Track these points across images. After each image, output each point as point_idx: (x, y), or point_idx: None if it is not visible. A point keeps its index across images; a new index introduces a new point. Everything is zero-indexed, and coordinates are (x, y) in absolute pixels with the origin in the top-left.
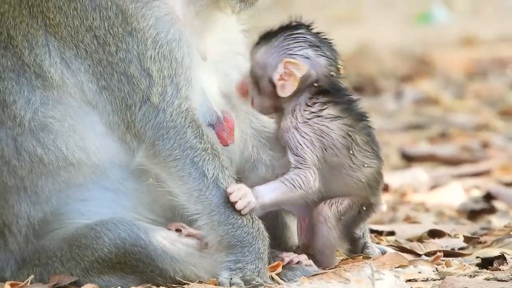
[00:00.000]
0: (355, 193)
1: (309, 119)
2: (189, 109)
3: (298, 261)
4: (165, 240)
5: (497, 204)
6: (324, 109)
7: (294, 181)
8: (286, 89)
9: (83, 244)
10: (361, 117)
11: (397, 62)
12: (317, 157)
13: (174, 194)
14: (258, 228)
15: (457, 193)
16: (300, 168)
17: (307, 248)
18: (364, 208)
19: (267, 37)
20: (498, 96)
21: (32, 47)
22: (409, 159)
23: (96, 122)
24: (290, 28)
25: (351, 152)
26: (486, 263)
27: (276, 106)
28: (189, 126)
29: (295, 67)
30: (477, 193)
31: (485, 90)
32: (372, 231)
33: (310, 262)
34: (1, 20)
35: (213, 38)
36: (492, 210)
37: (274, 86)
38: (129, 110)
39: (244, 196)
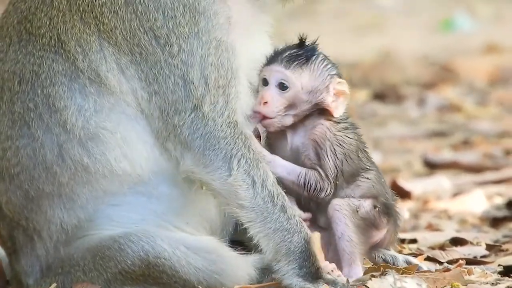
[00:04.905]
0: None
1: (334, 134)
2: (237, 121)
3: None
4: (189, 250)
5: None
6: (339, 124)
7: (310, 181)
8: (340, 109)
9: (107, 255)
10: (352, 125)
11: (420, 69)
12: (338, 169)
13: (223, 202)
14: (306, 232)
15: (479, 201)
16: (321, 177)
17: None
18: (379, 206)
19: (299, 60)
20: None
21: (86, 52)
22: (432, 166)
23: (146, 131)
24: (314, 49)
25: (359, 156)
26: (508, 271)
27: (294, 124)
28: (238, 137)
29: (342, 86)
30: (500, 201)
31: (508, 97)
32: None
33: (339, 273)
34: (50, 24)
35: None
36: None
37: (317, 108)
38: (178, 115)
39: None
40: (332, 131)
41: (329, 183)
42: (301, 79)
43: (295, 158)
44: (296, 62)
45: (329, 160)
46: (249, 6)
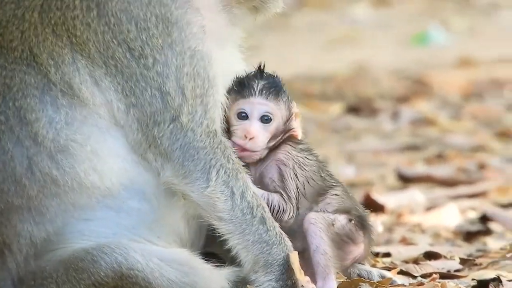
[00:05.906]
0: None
1: (296, 155)
2: (216, 130)
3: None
4: (162, 262)
5: (493, 226)
6: (299, 145)
7: (272, 203)
8: (300, 130)
9: (80, 267)
10: (308, 148)
11: (394, 83)
12: (300, 192)
13: (202, 214)
14: (286, 244)
15: (453, 215)
16: (284, 199)
17: None
18: (354, 220)
19: (274, 91)
20: (495, 117)
21: (59, 65)
22: (405, 180)
23: (120, 144)
24: (278, 78)
25: (322, 175)
26: (481, 286)
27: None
28: (217, 147)
29: (296, 107)
30: (473, 215)
31: (482, 111)
32: None
33: (312, 286)
34: (22, 38)
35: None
36: (488, 232)
37: (283, 133)
38: (157, 127)
39: None
40: (294, 151)
41: (291, 206)
42: (280, 110)
43: (260, 184)
44: (274, 93)
45: (291, 181)
46: (223, 16)
